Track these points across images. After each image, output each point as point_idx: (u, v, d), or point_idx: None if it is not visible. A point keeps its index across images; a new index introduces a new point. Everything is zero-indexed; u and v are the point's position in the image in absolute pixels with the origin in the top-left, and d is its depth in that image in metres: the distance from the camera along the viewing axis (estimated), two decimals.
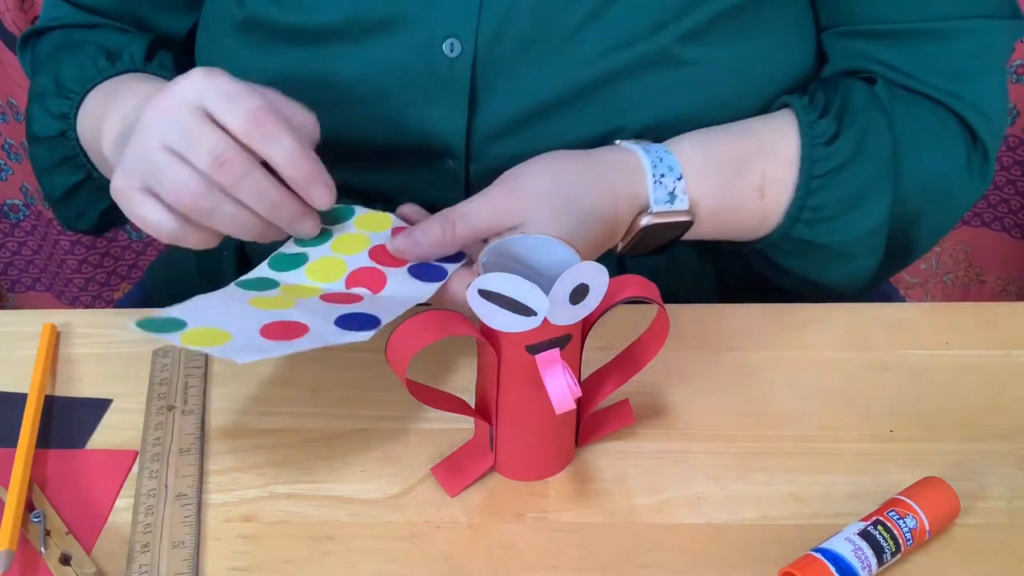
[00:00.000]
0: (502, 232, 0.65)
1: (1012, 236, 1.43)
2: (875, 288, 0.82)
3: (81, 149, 0.78)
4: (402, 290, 0.65)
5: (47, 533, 0.60)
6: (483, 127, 0.74)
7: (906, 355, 0.71)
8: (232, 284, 0.64)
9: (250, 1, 0.76)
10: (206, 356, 0.71)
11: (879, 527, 0.56)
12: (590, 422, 0.64)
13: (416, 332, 0.56)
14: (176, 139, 0.61)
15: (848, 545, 0.56)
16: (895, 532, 0.56)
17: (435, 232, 0.66)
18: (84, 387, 0.70)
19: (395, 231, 0.69)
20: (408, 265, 0.67)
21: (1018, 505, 0.61)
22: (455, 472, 0.62)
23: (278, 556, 0.58)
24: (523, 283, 0.54)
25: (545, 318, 0.56)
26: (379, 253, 0.67)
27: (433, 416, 0.66)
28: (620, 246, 0.71)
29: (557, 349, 0.57)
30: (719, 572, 0.57)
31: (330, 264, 0.66)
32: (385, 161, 0.76)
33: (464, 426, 0.65)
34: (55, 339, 0.72)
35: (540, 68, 0.72)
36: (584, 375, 0.63)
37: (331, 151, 0.78)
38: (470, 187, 0.76)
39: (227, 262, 0.87)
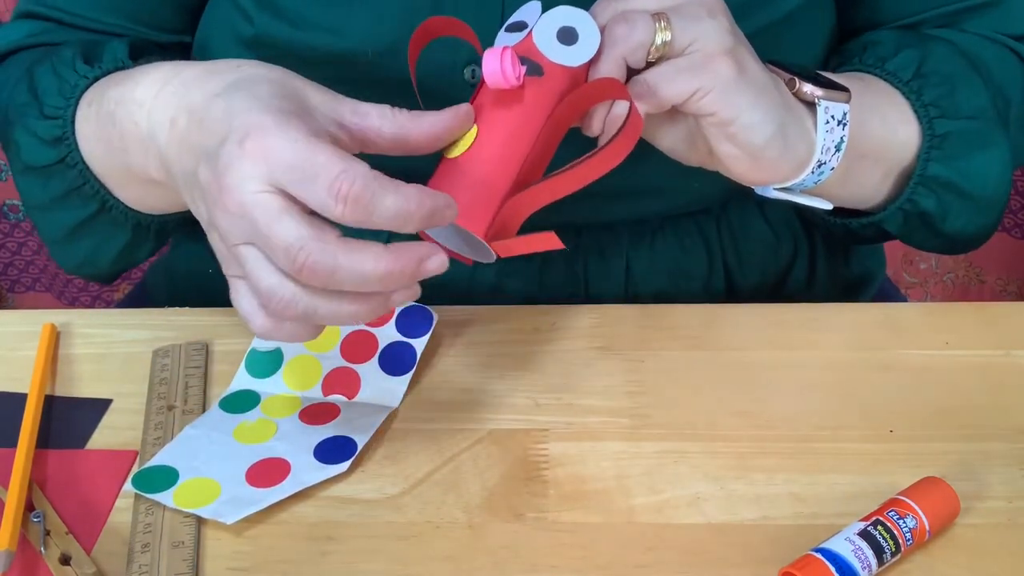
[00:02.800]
0: None
1: (1012, 236, 1.42)
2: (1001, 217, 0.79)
3: (92, 176, 0.70)
4: (375, 391, 0.68)
5: (47, 533, 0.60)
6: None
7: (906, 355, 0.71)
8: (216, 407, 0.67)
9: (260, 19, 0.73)
10: (206, 356, 0.71)
11: (879, 527, 0.56)
12: (510, 227, 0.60)
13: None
14: (254, 236, 0.53)
15: (848, 545, 0.56)
16: (895, 532, 0.56)
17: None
18: (84, 387, 0.70)
19: None
20: (377, 354, 0.69)
21: (1018, 505, 0.61)
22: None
23: (278, 556, 0.58)
24: (535, 7, 0.59)
25: (529, 37, 0.59)
26: (350, 344, 0.69)
27: (433, 416, 0.66)
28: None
29: (525, 58, 0.59)
30: (719, 572, 0.57)
31: (305, 365, 0.69)
32: None
33: (465, 427, 0.65)
34: (55, 339, 0.72)
35: None
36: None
37: None
38: None
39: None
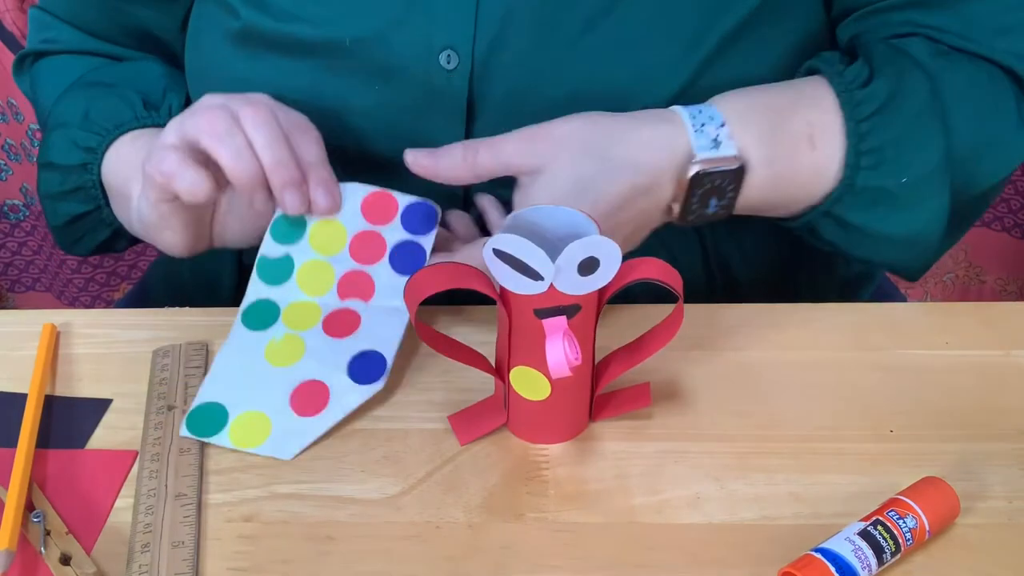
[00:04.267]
0: (523, 173, 0.66)
1: (1012, 236, 1.42)
2: (938, 257, 0.78)
3: (100, 184, 0.79)
4: (390, 292, 0.70)
5: (47, 533, 0.60)
6: (481, 138, 0.74)
7: (906, 355, 0.71)
8: (238, 321, 0.70)
9: (246, 12, 0.75)
10: (206, 356, 0.71)
11: (879, 527, 0.56)
12: (604, 399, 0.65)
13: (434, 277, 0.59)
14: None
15: (848, 545, 0.56)
16: (895, 532, 0.56)
17: (456, 155, 0.67)
18: (84, 387, 0.70)
19: (365, 200, 0.70)
20: (387, 254, 0.70)
21: (1018, 505, 0.61)
22: (469, 423, 0.65)
23: (278, 556, 0.58)
24: (533, 248, 0.56)
25: (552, 285, 0.57)
26: (358, 245, 0.70)
27: (433, 416, 0.67)
28: (676, 209, 0.70)
29: (564, 317, 0.58)
30: (719, 572, 0.57)
31: (317, 270, 0.70)
32: (382, 171, 0.75)
33: None
34: (55, 339, 0.72)
35: (538, 79, 0.72)
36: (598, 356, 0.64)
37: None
38: (469, 198, 0.76)
39: (226, 269, 0.86)
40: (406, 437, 0.65)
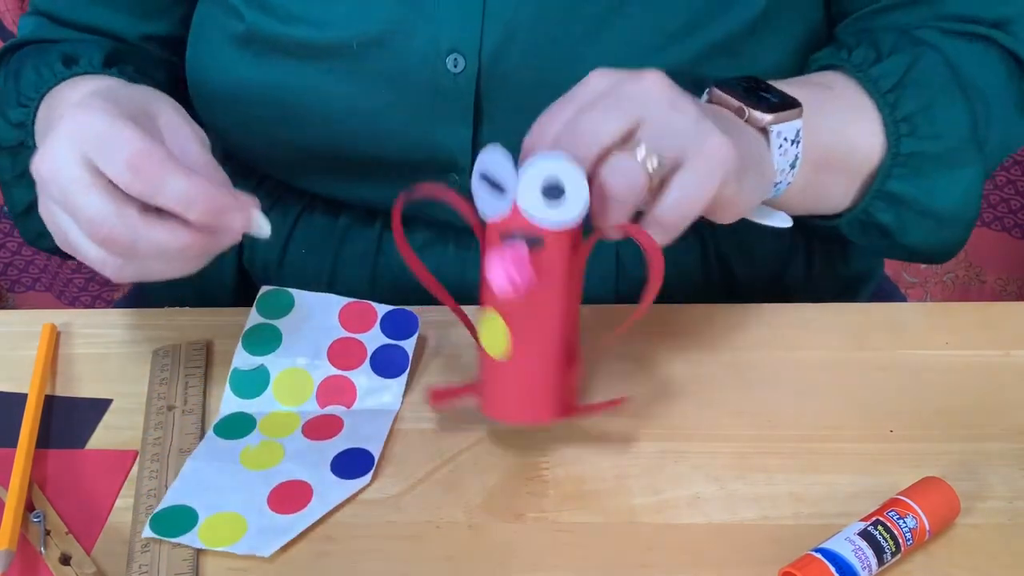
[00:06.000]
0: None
1: (1012, 236, 1.42)
2: (962, 245, 0.77)
3: None
4: (373, 396, 0.67)
5: (47, 533, 0.60)
6: (489, 141, 0.73)
7: (906, 355, 0.71)
8: (211, 433, 0.65)
9: (251, 15, 0.75)
10: (206, 356, 0.71)
11: (879, 527, 0.56)
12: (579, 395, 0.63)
13: (430, 189, 0.59)
14: (64, 204, 0.59)
15: (848, 545, 0.56)
16: (895, 532, 0.56)
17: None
18: (84, 387, 0.70)
19: (343, 310, 0.70)
20: (368, 359, 0.68)
21: (1018, 505, 0.61)
22: (446, 392, 0.63)
23: (278, 556, 0.58)
24: (506, 164, 0.55)
25: (516, 207, 0.56)
26: (336, 355, 0.68)
27: (433, 416, 0.66)
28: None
29: (523, 242, 0.56)
30: (719, 572, 0.57)
31: (295, 378, 0.67)
32: (388, 175, 0.75)
33: (465, 426, 0.65)
34: (55, 339, 0.72)
35: (545, 81, 0.71)
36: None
37: (332, 164, 0.77)
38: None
39: (226, 269, 0.86)
40: (406, 437, 0.65)
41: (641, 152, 0.56)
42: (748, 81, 0.66)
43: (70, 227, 0.59)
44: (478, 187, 0.57)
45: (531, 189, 0.55)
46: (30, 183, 0.70)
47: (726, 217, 0.62)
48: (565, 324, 0.60)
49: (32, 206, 0.74)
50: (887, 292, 0.97)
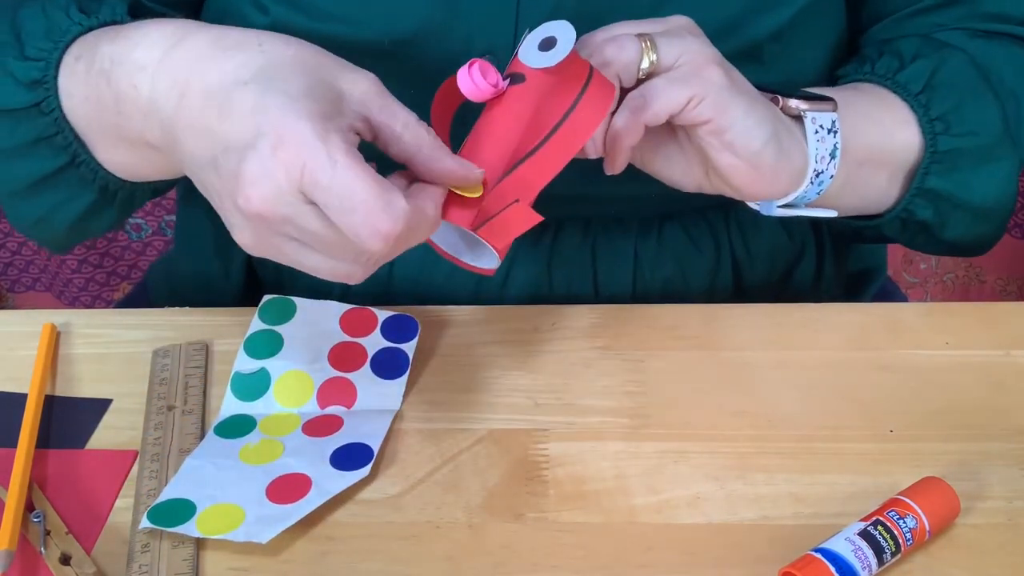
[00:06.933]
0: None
1: (1012, 236, 1.43)
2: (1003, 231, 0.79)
3: (67, 127, 0.64)
4: (373, 397, 0.67)
5: (47, 533, 0.60)
6: None
7: (906, 355, 0.71)
8: (211, 433, 0.65)
9: (276, 9, 0.72)
10: (206, 356, 0.71)
11: (879, 527, 0.56)
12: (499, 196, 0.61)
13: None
14: (292, 231, 0.54)
15: (848, 545, 0.56)
16: (895, 532, 0.56)
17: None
18: (84, 387, 0.70)
19: (344, 317, 0.70)
20: (368, 361, 0.68)
21: (1018, 505, 0.61)
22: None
23: (278, 556, 0.58)
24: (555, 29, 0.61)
25: (517, 58, 0.61)
26: (337, 358, 0.69)
27: (433, 416, 0.66)
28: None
29: (492, 65, 0.61)
30: (719, 572, 0.57)
31: (295, 381, 0.68)
32: None
33: (464, 427, 0.65)
34: (55, 339, 0.72)
35: None
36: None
37: None
38: None
39: (226, 269, 0.85)
40: (406, 437, 0.65)
41: (644, 45, 0.62)
42: (778, 86, 0.68)
43: (319, 263, 0.56)
44: (529, 50, 0.61)
45: (532, 43, 0.61)
46: (48, 152, 0.65)
47: (749, 181, 0.64)
48: (520, 158, 0.60)
49: (37, 183, 0.67)
50: (887, 292, 0.97)
